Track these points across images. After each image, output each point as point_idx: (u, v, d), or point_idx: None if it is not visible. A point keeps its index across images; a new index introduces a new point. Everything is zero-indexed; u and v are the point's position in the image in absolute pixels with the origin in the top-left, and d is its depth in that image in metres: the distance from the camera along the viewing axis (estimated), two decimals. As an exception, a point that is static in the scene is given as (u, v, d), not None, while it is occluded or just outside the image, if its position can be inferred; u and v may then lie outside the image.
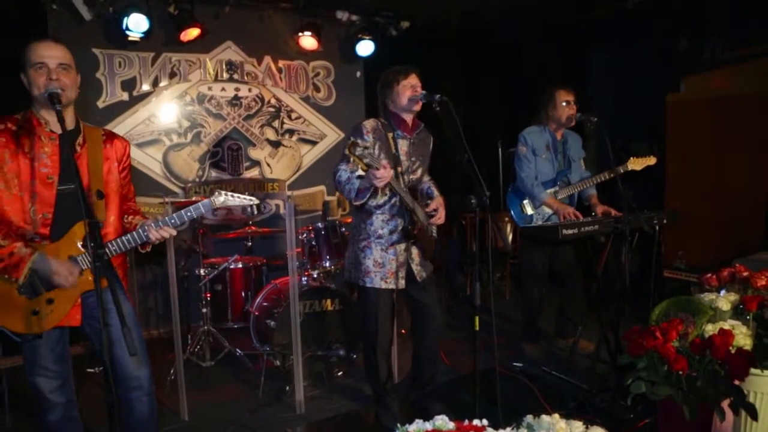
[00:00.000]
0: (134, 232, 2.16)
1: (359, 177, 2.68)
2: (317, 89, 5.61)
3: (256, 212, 2.28)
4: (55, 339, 2.18)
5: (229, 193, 2.24)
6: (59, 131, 2.14)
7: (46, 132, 2.13)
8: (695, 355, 2.02)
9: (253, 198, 2.30)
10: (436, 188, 3.11)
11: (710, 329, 2.14)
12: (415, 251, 2.95)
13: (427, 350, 3.08)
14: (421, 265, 2.97)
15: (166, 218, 2.18)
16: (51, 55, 2.09)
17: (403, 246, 2.90)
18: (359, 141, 2.51)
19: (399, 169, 2.85)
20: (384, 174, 2.49)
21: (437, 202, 2.95)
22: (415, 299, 3.03)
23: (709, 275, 2.62)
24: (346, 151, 2.44)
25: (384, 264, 2.88)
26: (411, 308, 3.11)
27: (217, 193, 2.23)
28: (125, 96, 4.74)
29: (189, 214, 2.20)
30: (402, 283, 2.91)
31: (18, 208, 2.08)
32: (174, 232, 2.22)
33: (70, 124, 2.16)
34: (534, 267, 3.97)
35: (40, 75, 2.06)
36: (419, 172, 2.99)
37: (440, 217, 2.94)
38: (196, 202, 3.94)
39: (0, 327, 2.08)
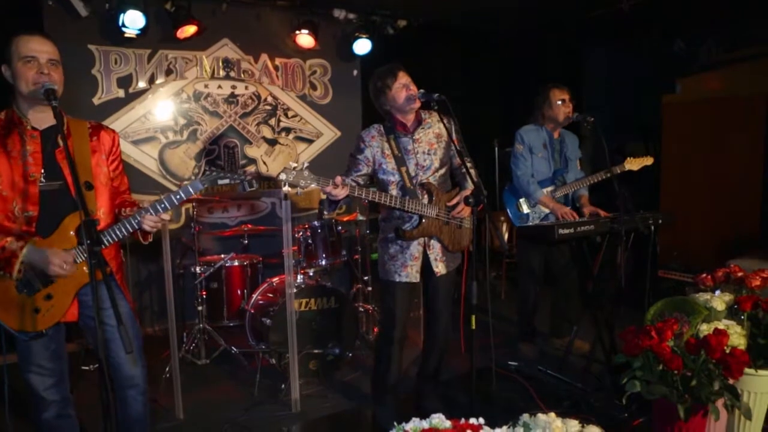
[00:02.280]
0: (126, 220, 2.14)
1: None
2: (314, 87, 5.61)
3: (247, 188, 2.25)
4: (50, 336, 2.16)
5: (218, 172, 2.20)
6: (40, 127, 2.13)
7: (28, 129, 2.11)
8: (690, 355, 2.03)
9: (242, 174, 2.25)
10: (470, 178, 2.94)
11: (705, 329, 2.15)
12: (435, 245, 2.94)
13: (433, 346, 3.12)
14: (442, 260, 2.96)
15: (156, 204, 2.15)
16: (42, 49, 2.07)
17: (419, 240, 2.90)
18: (302, 164, 2.54)
19: (404, 169, 2.85)
20: (331, 190, 2.57)
21: (461, 195, 2.91)
22: (428, 295, 3.06)
23: (704, 275, 2.63)
24: (282, 177, 2.47)
25: (397, 257, 2.92)
26: (424, 304, 3.14)
27: (207, 173, 2.20)
28: (121, 93, 4.72)
29: (179, 196, 2.17)
30: (416, 277, 2.92)
31: (2, 208, 2.06)
32: (167, 218, 2.20)
33: (51, 119, 2.14)
34: (530, 266, 3.98)
35: (29, 69, 2.04)
36: (433, 165, 2.92)
37: (461, 211, 2.90)
38: (191, 200, 3.95)
39: (6, 327, 2.07)
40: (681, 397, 1.99)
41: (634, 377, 2.12)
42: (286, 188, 2.49)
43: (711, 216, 4.93)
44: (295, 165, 2.49)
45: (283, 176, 2.45)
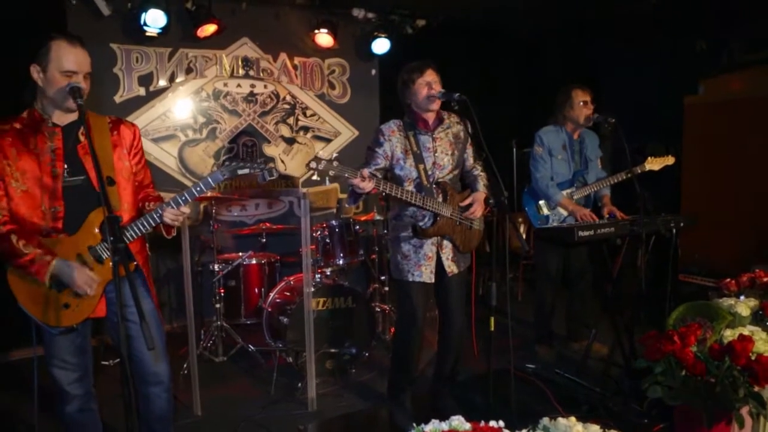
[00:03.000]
0: (148, 215, 2.15)
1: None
2: (332, 87, 5.62)
3: (268, 177, 2.24)
4: (77, 331, 2.19)
5: (238, 162, 2.19)
6: (62, 124, 2.15)
7: (49, 127, 2.13)
8: (714, 361, 2.00)
9: (262, 164, 2.22)
10: (483, 180, 3.04)
11: (729, 335, 2.12)
12: (447, 245, 2.93)
13: (448, 347, 3.11)
14: (454, 260, 2.95)
15: (177, 197, 2.15)
16: (84, 63, 2.09)
17: (432, 240, 2.90)
18: (331, 155, 2.50)
19: (422, 166, 2.84)
20: (359, 183, 2.53)
21: (473, 197, 2.93)
22: (441, 295, 3.04)
23: (728, 280, 2.59)
24: (312, 165, 2.45)
25: (411, 257, 2.90)
26: (437, 304, 3.12)
27: (226, 163, 2.20)
28: (142, 91, 4.77)
29: (199, 188, 2.16)
30: (431, 277, 2.91)
31: (30, 205, 2.09)
32: (187, 211, 2.19)
33: (72, 116, 2.16)
34: (548, 268, 3.95)
35: (67, 81, 2.04)
36: (449, 166, 2.93)
37: (474, 212, 2.91)
38: (210, 198, 3.97)
39: (37, 320, 2.11)
40: (705, 404, 1.96)
41: (655, 382, 2.09)
42: (315, 177, 2.46)
43: (734, 219, 4.84)
44: (325, 155, 2.47)
45: (313, 164, 2.43)
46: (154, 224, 2.17)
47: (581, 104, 3.76)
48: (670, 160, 3.86)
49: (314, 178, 2.49)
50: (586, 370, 3.60)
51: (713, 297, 2.54)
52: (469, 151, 3.07)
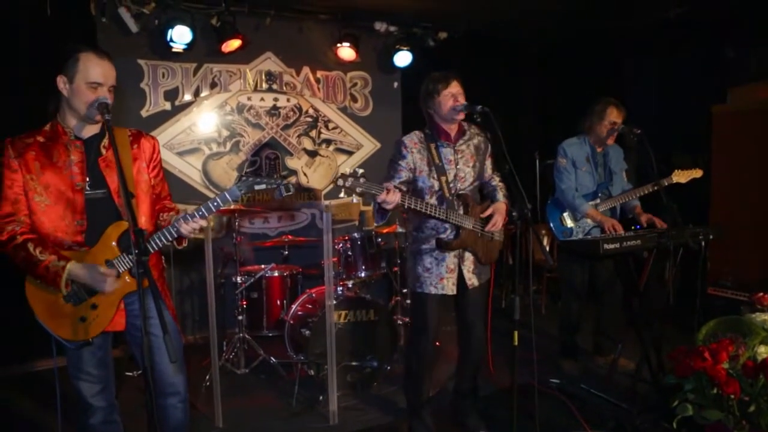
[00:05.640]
0: (166, 228, 2.14)
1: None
2: (354, 99, 5.65)
3: (284, 193, 2.21)
4: (97, 344, 2.21)
5: (255, 177, 2.18)
6: (84, 137, 2.17)
7: (72, 140, 2.14)
8: (747, 379, 1.93)
9: (279, 179, 2.20)
10: (502, 191, 3.04)
11: (763, 351, 2.05)
12: (469, 257, 2.91)
13: (468, 362, 3.07)
14: (475, 272, 2.93)
15: (195, 211, 2.14)
16: (110, 76, 2.11)
17: (454, 252, 2.87)
18: (357, 170, 2.45)
19: (444, 179, 2.82)
20: (385, 198, 2.46)
21: (494, 208, 2.90)
22: (461, 307, 3.01)
23: (762, 294, 2.52)
24: (339, 183, 2.41)
25: (433, 270, 2.87)
26: (456, 317, 3.08)
27: (244, 178, 2.18)
28: (168, 106, 4.85)
29: (216, 203, 2.15)
30: (453, 289, 2.88)
31: (53, 218, 2.10)
32: (204, 223, 2.17)
33: (94, 129, 2.19)
34: (573, 281, 3.89)
35: (92, 92, 2.07)
36: (470, 178, 2.92)
37: (495, 224, 2.89)
38: (233, 210, 4.00)
39: (55, 335, 2.13)
40: (738, 424, 1.89)
41: (685, 400, 2.03)
42: (342, 195, 2.46)
43: (764, 231, 4.72)
44: (351, 171, 2.43)
45: (340, 182, 2.40)
46: (171, 238, 2.16)
47: (610, 123, 3.71)
48: (697, 173, 3.78)
49: (341, 195, 2.48)
50: (613, 385, 3.53)
51: (745, 312, 2.46)
52: (488, 162, 3.06)
